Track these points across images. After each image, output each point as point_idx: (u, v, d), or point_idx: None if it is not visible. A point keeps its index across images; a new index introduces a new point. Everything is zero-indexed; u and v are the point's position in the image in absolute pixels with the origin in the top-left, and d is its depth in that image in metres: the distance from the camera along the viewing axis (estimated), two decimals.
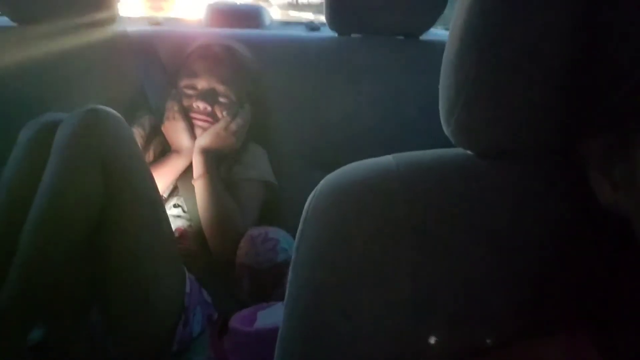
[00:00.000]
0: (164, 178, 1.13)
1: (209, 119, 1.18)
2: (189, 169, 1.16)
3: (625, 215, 0.32)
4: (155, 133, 1.23)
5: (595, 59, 0.33)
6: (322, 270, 0.39)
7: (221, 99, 1.19)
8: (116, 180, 0.83)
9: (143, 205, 0.88)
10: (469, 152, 0.42)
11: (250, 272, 1.00)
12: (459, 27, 0.37)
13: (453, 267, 0.38)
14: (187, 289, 0.94)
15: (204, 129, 1.17)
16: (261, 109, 1.27)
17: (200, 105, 1.17)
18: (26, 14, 1.28)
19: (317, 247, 0.39)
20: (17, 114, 1.12)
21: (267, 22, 1.73)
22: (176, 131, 1.17)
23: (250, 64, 1.26)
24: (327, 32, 1.42)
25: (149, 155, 1.21)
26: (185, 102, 1.19)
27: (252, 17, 1.69)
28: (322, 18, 1.40)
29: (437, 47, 1.31)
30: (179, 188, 1.17)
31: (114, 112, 0.87)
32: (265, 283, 0.98)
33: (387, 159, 0.42)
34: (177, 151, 1.17)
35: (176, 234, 1.10)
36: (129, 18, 1.72)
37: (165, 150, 1.20)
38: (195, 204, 1.11)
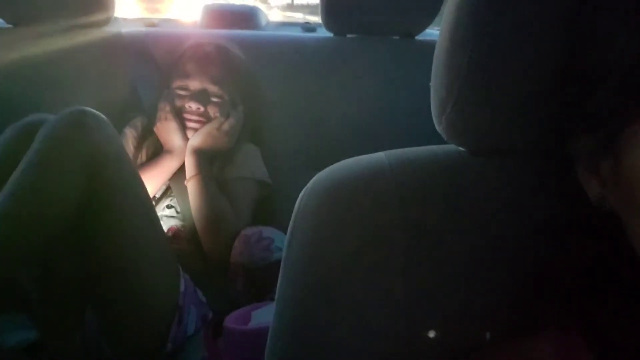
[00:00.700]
0: (156, 179, 1.13)
1: (202, 119, 1.17)
2: (181, 170, 1.16)
3: (614, 211, 0.33)
4: (148, 134, 1.23)
5: (581, 59, 0.33)
6: (312, 268, 0.38)
7: (214, 99, 1.19)
8: (103, 182, 0.82)
9: (133, 206, 0.87)
10: (460, 149, 0.42)
11: (244, 271, 1.00)
12: (449, 26, 0.37)
13: (445, 264, 0.38)
14: (182, 288, 0.94)
15: (197, 130, 1.17)
16: (256, 108, 1.27)
17: (193, 105, 1.17)
18: (21, 16, 1.28)
19: (308, 245, 0.39)
20: (10, 114, 1.11)
21: (263, 23, 1.73)
22: (168, 132, 1.17)
23: (243, 63, 1.26)
24: (324, 33, 1.42)
25: (141, 156, 1.21)
26: (178, 103, 1.19)
27: (247, 18, 1.69)
28: (312, 18, 1.40)
29: (432, 47, 1.30)
30: (172, 188, 1.17)
31: (100, 114, 0.86)
32: (260, 282, 0.98)
33: (379, 156, 0.42)
34: (170, 151, 1.17)
35: (169, 235, 1.09)
36: (124, 19, 1.72)
37: (157, 151, 1.20)
38: (188, 204, 1.11)
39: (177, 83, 1.20)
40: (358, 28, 1.35)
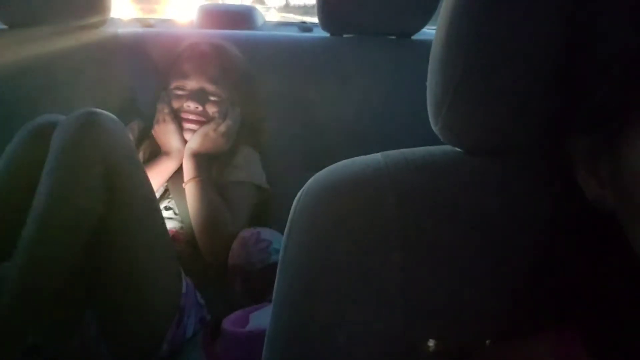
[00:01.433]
0: (153, 180, 1.12)
1: (201, 118, 1.17)
2: (179, 172, 1.16)
3: (612, 212, 0.32)
4: (145, 136, 1.23)
5: (578, 58, 0.33)
6: (309, 269, 0.38)
7: (212, 98, 1.18)
8: (114, 183, 0.82)
9: (140, 207, 0.87)
10: (457, 149, 0.42)
11: (242, 273, 0.99)
12: (444, 25, 0.37)
13: (443, 265, 0.38)
14: (184, 290, 0.94)
15: (195, 130, 1.17)
16: (253, 109, 1.27)
17: (191, 105, 1.16)
18: (17, 17, 1.27)
19: (304, 246, 0.39)
20: (6, 117, 1.11)
21: (259, 23, 1.72)
22: (166, 133, 1.17)
23: (241, 62, 1.26)
24: (320, 33, 1.42)
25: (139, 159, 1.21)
26: (176, 103, 1.18)
27: (244, 18, 1.69)
28: (308, 19, 1.40)
29: (429, 47, 1.30)
30: (170, 190, 1.16)
31: (111, 114, 0.86)
32: (258, 284, 0.98)
33: (376, 157, 0.42)
34: (167, 153, 1.17)
35: None
36: (120, 20, 1.71)
37: (155, 153, 1.20)
38: (186, 206, 1.11)
39: (175, 83, 1.20)
40: (355, 28, 1.35)
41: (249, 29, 1.64)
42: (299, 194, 0.41)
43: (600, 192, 0.33)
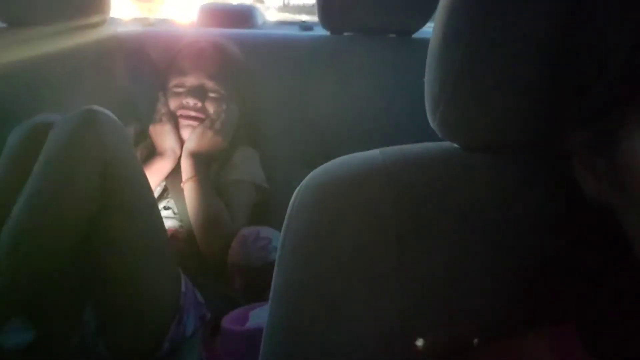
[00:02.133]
0: (149, 181, 1.13)
1: (200, 114, 1.17)
2: (178, 171, 1.16)
3: (610, 207, 0.32)
4: (143, 137, 1.23)
5: (576, 52, 0.33)
6: (306, 265, 0.38)
7: (211, 94, 1.18)
8: (111, 181, 0.82)
9: (138, 205, 0.87)
10: (455, 145, 0.41)
11: (242, 271, 0.99)
12: (442, 21, 0.37)
13: (440, 261, 0.38)
14: (183, 289, 0.94)
15: (195, 127, 1.17)
16: (252, 107, 1.27)
17: (190, 101, 1.16)
18: (16, 16, 1.27)
19: (302, 243, 0.39)
20: (5, 115, 1.11)
21: (259, 22, 1.72)
22: (163, 133, 1.17)
23: (239, 59, 1.26)
24: (320, 32, 1.41)
25: None
26: (175, 101, 1.18)
27: (244, 17, 1.69)
28: (307, 19, 1.40)
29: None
30: (169, 190, 1.16)
31: (110, 113, 0.86)
32: (258, 282, 0.98)
33: (374, 153, 0.42)
34: (161, 154, 1.17)
35: None
36: (120, 19, 1.71)
37: (151, 154, 1.20)
38: (185, 205, 1.11)
39: (174, 81, 1.20)
40: (355, 26, 1.35)
41: (249, 28, 1.64)
42: (296, 191, 0.41)
43: (598, 187, 0.33)
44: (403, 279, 0.37)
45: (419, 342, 0.37)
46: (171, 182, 1.16)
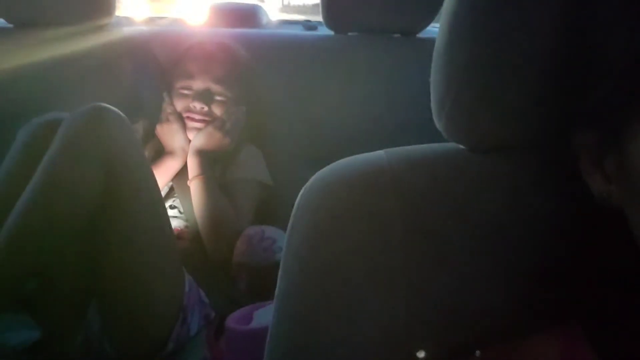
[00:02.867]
0: (157, 180, 1.13)
1: (207, 118, 1.18)
2: (184, 170, 1.16)
3: (618, 207, 0.32)
4: (150, 136, 1.23)
5: (584, 51, 0.32)
6: (311, 265, 0.38)
7: (218, 98, 1.19)
8: (117, 178, 0.83)
9: (144, 203, 0.87)
10: (461, 146, 0.41)
11: (247, 271, 1.00)
12: (448, 20, 0.37)
13: (445, 262, 0.38)
14: (186, 288, 0.94)
15: (201, 129, 1.17)
16: (258, 107, 1.27)
17: (197, 105, 1.17)
18: (22, 16, 1.28)
19: (307, 242, 0.39)
20: (12, 116, 1.12)
21: (263, 21, 1.72)
22: (170, 133, 1.17)
23: (245, 61, 1.26)
24: (325, 31, 1.41)
25: None
26: (182, 103, 1.19)
27: (249, 16, 1.69)
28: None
29: (434, 45, 1.30)
30: (175, 189, 1.17)
31: (117, 110, 0.87)
32: (262, 282, 0.98)
33: (379, 154, 0.41)
34: (171, 153, 1.17)
35: None
36: (132, 19, 1.71)
37: (159, 153, 1.20)
38: (191, 205, 1.11)
39: (181, 83, 1.20)
40: (359, 26, 1.34)
41: (254, 27, 1.64)
42: (301, 191, 0.41)
43: (606, 188, 0.33)
44: (408, 280, 0.37)
45: (424, 343, 0.37)
46: (177, 181, 1.17)
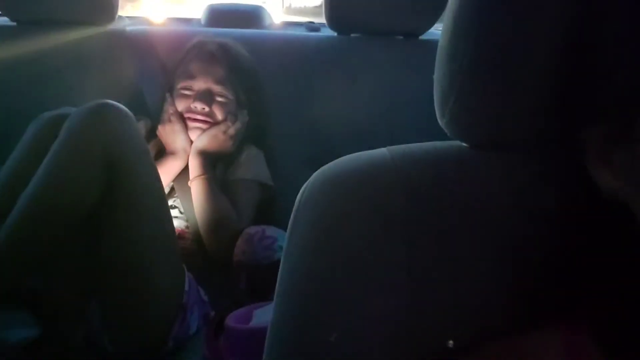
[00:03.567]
0: None
1: (208, 118, 1.18)
2: (185, 171, 1.17)
3: (626, 203, 0.32)
4: (152, 135, 1.23)
5: (593, 43, 0.32)
6: (312, 262, 0.38)
7: (218, 99, 1.19)
8: (119, 175, 0.83)
9: (146, 201, 0.88)
10: (464, 144, 0.41)
11: (247, 270, 0.99)
12: (451, 16, 0.36)
13: (449, 259, 0.37)
14: (186, 287, 0.94)
15: (203, 130, 1.17)
16: (259, 108, 1.27)
17: (198, 105, 1.17)
18: (25, 14, 1.28)
19: (308, 240, 0.39)
20: (14, 112, 1.12)
21: (266, 23, 1.72)
22: (172, 134, 1.17)
23: (247, 62, 1.26)
24: (327, 33, 1.42)
25: None
26: (183, 103, 1.19)
27: (251, 17, 1.69)
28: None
29: (437, 47, 1.30)
30: (176, 189, 1.17)
31: (123, 107, 0.87)
32: (262, 281, 0.98)
33: (382, 152, 0.41)
34: (173, 153, 1.17)
35: None
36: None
37: (161, 153, 1.20)
38: (191, 205, 1.12)
39: (182, 84, 1.20)
40: (362, 27, 1.35)
41: (256, 28, 1.64)
42: (303, 188, 0.41)
43: (614, 183, 0.32)
44: (410, 277, 0.37)
45: (429, 339, 0.36)
46: (178, 181, 1.17)
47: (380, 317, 0.37)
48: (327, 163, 0.43)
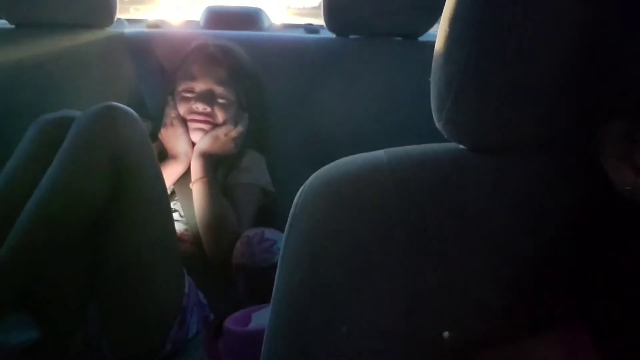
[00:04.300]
0: None
1: (209, 119, 1.18)
2: (185, 174, 1.17)
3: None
4: (153, 138, 1.23)
5: (602, 42, 0.31)
6: (309, 265, 0.38)
7: (220, 100, 1.19)
8: (123, 178, 0.83)
9: (151, 205, 0.88)
10: (461, 146, 0.41)
11: (246, 272, 0.99)
12: (448, 18, 0.36)
13: (446, 262, 0.37)
14: (186, 290, 0.94)
15: (204, 131, 1.17)
16: (259, 110, 1.27)
17: (199, 106, 1.17)
18: (24, 16, 1.28)
19: (305, 241, 0.38)
20: (13, 115, 1.12)
21: (265, 24, 1.72)
22: (174, 137, 1.17)
23: (247, 64, 1.26)
24: (326, 34, 1.42)
25: None
26: (185, 106, 1.19)
27: (250, 19, 1.69)
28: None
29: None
30: (177, 192, 1.17)
31: (130, 110, 0.87)
32: (262, 284, 0.97)
33: (379, 154, 0.41)
34: (174, 157, 1.17)
35: None
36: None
37: (162, 156, 1.20)
38: (191, 208, 1.11)
39: (183, 86, 1.20)
40: (361, 29, 1.35)
41: (255, 30, 1.64)
42: (300, 189, 0.41)
43: (635, 181, 0.31)
44: (408, 280, 0.37)
45: (426, 343, 0.36)
46: (179, 184, 1.17)
47: (376, 320, 0.37)
48: (326, 164, 0.43)
